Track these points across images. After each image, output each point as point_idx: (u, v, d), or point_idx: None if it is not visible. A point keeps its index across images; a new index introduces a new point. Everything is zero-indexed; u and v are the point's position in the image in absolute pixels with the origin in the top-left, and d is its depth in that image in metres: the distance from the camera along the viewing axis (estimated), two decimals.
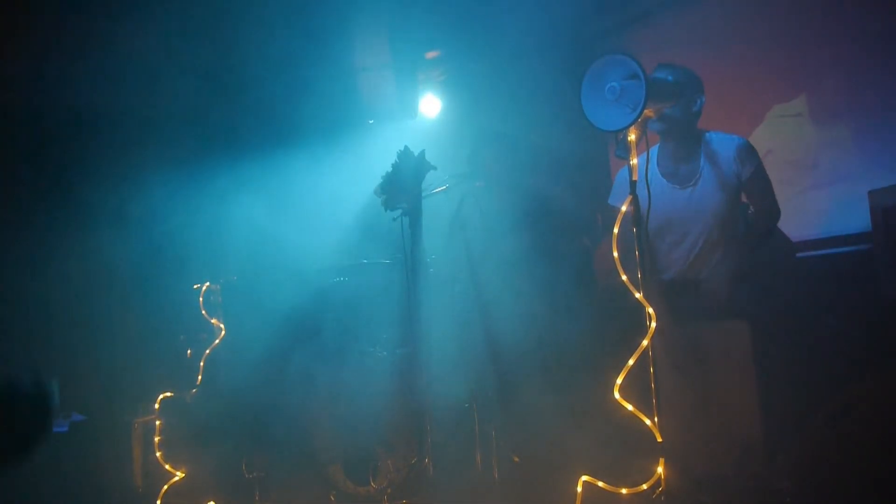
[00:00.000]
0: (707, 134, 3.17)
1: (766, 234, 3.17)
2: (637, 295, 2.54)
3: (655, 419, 2.50)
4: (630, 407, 2.54)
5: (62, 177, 4.08)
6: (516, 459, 3.28)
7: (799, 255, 3.55)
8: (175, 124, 4.23)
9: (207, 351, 3.91)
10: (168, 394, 3.85)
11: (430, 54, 4.79)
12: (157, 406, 3.82)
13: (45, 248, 3.98)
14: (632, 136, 2.57)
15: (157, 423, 3.79)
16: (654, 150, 3.20)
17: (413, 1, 4.26)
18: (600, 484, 2.64)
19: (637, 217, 2.57)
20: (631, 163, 2.58)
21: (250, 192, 4.14)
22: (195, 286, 4.00)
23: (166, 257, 4.09)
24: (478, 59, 4.90)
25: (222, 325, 3.92)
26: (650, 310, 2.51)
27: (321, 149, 4.25)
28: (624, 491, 2.58)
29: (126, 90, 4.00)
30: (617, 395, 2.54)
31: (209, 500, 3.54)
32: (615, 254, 2.58)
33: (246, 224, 4.12)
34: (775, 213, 3.15)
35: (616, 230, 2.60)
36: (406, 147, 3.14)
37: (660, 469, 2.49)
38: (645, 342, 2.50)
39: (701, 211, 3.11)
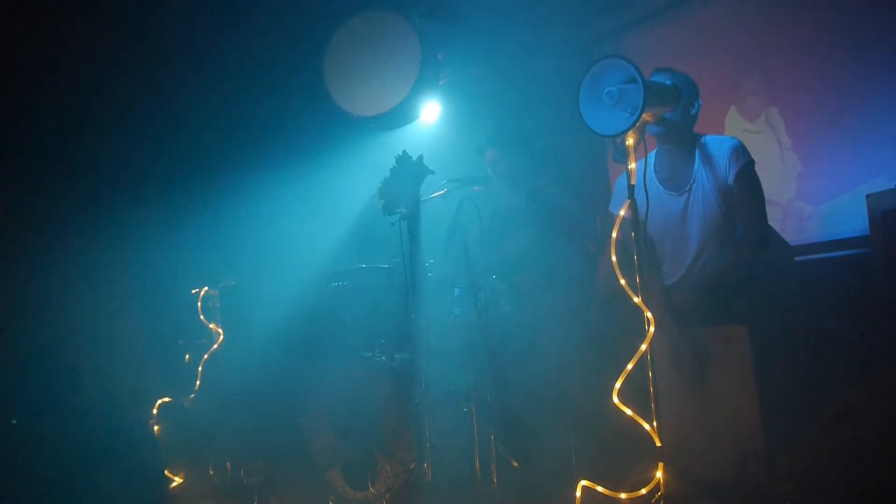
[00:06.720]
0: (703, 137, 3.16)
1: (755, 244, 3.04)
2: (636, 299, 2.54)
3: (654, 423, 2.50)
4: (629, 411, 2.53)
5: (60, 181, 4.07)
6: (515, 464, 3.28)
7: (797, 258, 3.54)
8: (173, 130, 4.24)
9: (206, 356, 3.90)
10: (166, 399, 3.84)
11: None
12: (155, 411, 3.81)
13: (44, 251, 3.97)
14: (630, 141, 2.57)
15: (156, 428, 3.78)
16: (652, 155, 3.20)
17: (413, 4, 4.26)
18: (599, 489, 2.63)
19: (635, 221, 2.57)
20: (629, 167, 2.58)
21: (248, 196, 4.14)
22: (193, 291, 3.99)
23: (165, 262, 4.09)
24: (477, 63, 4.91)
25: (220, 330, 3.91)
26: (649, 314, 2.51)
27: (320, 153, 4.25)
28: (623, 496, 2.57)
29: (123, 97, 4.00)
30: (616, 399, 2.54)
31: None
32: (613, 258, 2.58)
33: (244, 229, 4.12)
34: (758, 222, 3.03)
35: (615, 234, 2.60)
36: (404, 151, 3.14)
37: (659, 474, 2.48)
38: (644, 346, 2.49)
39: (697, 216, 3.11)
